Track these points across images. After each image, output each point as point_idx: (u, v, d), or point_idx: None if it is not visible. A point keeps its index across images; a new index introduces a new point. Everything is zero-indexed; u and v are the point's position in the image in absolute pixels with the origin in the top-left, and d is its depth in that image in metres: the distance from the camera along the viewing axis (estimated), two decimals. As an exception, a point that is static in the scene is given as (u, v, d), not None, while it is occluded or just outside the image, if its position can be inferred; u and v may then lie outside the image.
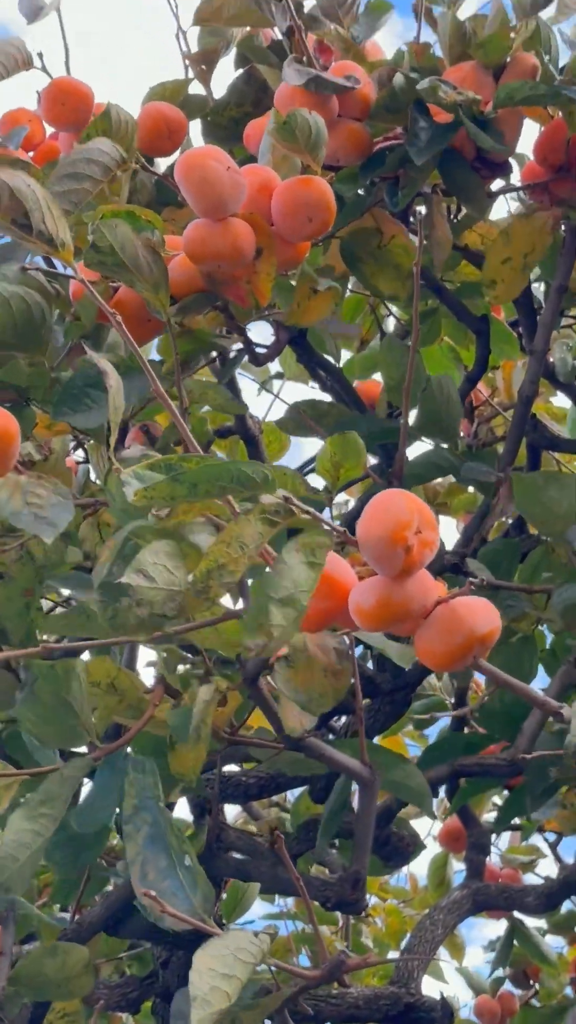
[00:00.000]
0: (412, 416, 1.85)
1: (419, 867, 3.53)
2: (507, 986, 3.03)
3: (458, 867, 2.94)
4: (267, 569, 1.10)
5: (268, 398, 3.39)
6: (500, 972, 2.96)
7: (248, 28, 1.93)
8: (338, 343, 1.85)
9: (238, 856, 1.75)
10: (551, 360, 2.06)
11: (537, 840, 3.00)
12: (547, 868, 3.75)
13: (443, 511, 2.46)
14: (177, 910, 1.12)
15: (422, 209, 1.82)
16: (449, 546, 1.93)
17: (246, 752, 1.65)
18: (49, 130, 1.93)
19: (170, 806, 1.71)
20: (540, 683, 1.93)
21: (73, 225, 1.44)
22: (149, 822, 1.19)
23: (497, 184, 1.79)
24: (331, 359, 2.08)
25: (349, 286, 2.18)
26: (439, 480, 2.34)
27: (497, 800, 2.83)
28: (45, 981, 1.39)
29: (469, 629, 1.12)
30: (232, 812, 2.83)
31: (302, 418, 1.98)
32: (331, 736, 1.99)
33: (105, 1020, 2.38)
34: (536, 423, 2.09)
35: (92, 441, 1.59)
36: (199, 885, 1.16)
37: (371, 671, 1.97)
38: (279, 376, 2.44)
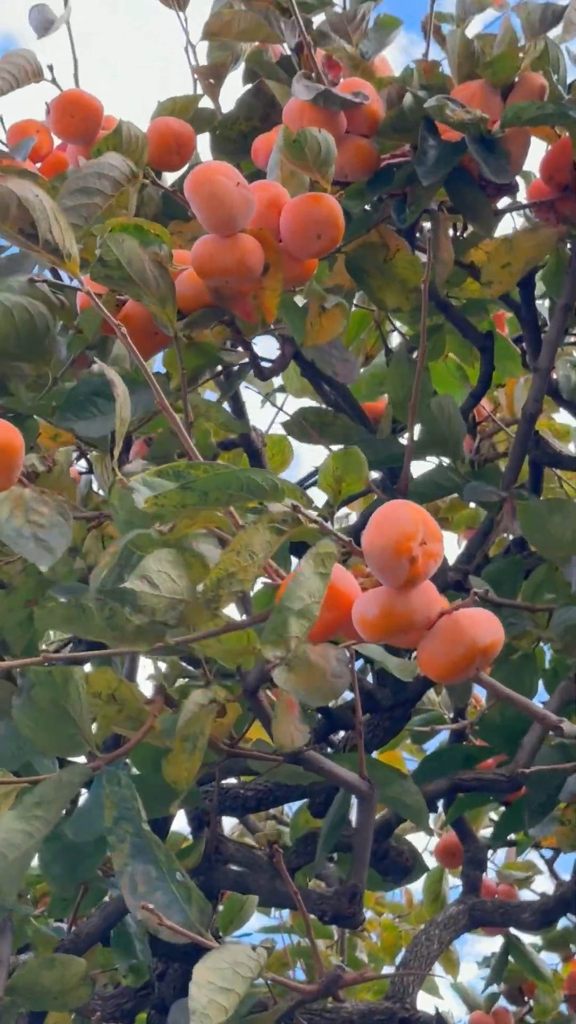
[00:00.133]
0: (416, 431, 1.85)
1: (415, 882, 3.52)
2: (502, 1002, 3.02)
3: (454, 882, 2.93)
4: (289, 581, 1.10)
5: (271, 410, 3.38)
6: (494, 988, 2.95)
7: (257, 43, 1.93)
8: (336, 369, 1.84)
9: (236, 868, 1.75)
10: (555, 377, 2.07)
11: (533, 856, 3.00)
12: (543, 885, 3.75)
13: (445, 526, 2.46)
14: (172, 922, 1.12)
15: (428, 225, 1.83)
16: (450, 560, 1.93)
17: (245, 766, 1.66)
18: (56, 141, 1.94)
19: (169, 818, 1.71)
20: (540, 701, 1.93)
21: (81, 238, 1.44)
22: (132, 832, 1.18)
23: (503, 202, 1.79)
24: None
25: (355, 301, 2.19)
26: (440, 494, 2.33)
27: (494, 816, 2.83)
28: (42, 992, 1.39)
29: (472, 640, 1.12)
30: (228, 824, 2.83)
31: (304, 426, 1.98)
32: (330, 750, 2.00)
33: (99, 1031, 2.37)
34: (539, 440, 2.09)
35: (96, 452, 1.59)
36: (193, 899, 1.16)
37: (371, 685, 1.97)
38: (283, 389, 2.44)
